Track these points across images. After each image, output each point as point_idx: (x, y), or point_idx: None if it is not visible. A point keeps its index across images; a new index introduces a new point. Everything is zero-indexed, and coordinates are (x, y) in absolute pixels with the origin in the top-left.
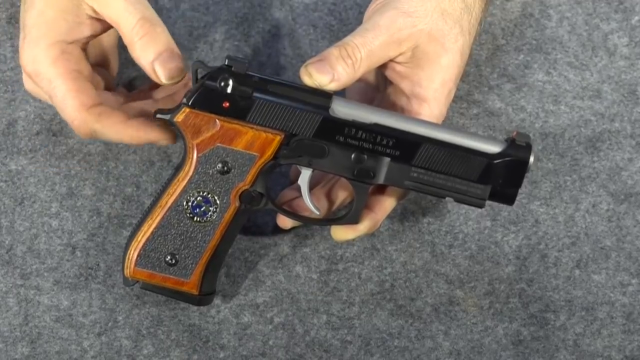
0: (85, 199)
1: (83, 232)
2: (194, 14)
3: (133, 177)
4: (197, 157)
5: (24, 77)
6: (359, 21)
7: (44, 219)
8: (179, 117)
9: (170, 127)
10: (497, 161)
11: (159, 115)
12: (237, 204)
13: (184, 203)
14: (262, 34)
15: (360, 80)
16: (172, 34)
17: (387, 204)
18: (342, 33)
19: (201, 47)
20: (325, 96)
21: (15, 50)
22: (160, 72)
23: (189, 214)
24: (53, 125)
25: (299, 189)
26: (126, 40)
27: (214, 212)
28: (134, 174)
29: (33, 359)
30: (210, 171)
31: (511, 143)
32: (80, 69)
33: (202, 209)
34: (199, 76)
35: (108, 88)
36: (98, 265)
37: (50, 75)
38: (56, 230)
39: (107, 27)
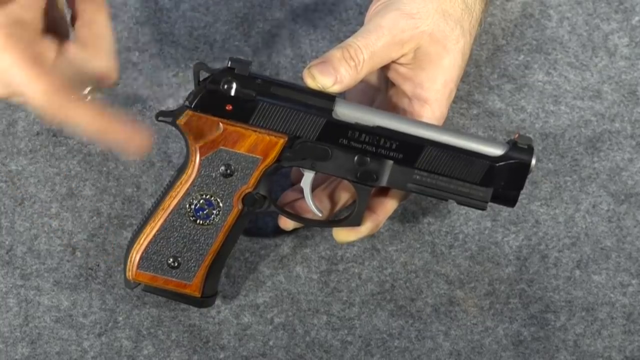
0: (86, 200)
1: (83, 232)
2: (194, 14)
3: (133, 178)
4: (200, 160)
5: None
6: (359, 21)
7: (44, 220)
8: (182, 120)
9: (146, 136)
10: (500, 164)
11: (160, 118)
12: (240, 206)
13: (187, 206)
14: (262, 34)
15: (361, 81)
16: (172, 34)
17: (389, 205)
18: (342, 33)
19: (201, 48)
20: (328, 98)
21: None
22: None
23: (192, 216)
24: (53, 126)
25: (300, 190)
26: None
27: (216, 215)
28: (134, 174)
29: None
30: (213, 174)
31: (513, 145)
32: (40, 49)
33: (205, 212)
34: (201, 78)
35: None
36: (98, 265)
37: (5, 64)
38: (56, 231)
39: None
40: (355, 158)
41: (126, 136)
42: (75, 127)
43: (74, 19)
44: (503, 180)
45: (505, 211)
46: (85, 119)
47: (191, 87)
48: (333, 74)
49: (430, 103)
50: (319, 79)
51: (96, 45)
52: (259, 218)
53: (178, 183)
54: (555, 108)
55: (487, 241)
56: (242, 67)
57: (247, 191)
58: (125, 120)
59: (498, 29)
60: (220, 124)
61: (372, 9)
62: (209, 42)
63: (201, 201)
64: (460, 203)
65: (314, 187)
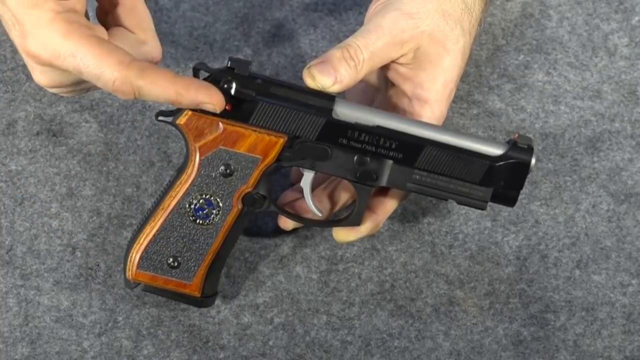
0: (85, 200)
1: (83, 232)
2: (194, 14)
3: (133, 178)
4: (200, 160)
5: (38, 72)
6: (359, 21)
7: (44, 220)
8: (182, 120)
9: (219, 91)
10: (499, 164)
11: (160, 118)
12: (240, 206)
13: (187, 205)
14: (262, 34)
15: (361, 81)
16: (172, 34)
17: (388, 205)
18: (342, 33)
19: (201, 48)
20: (328, 98)
21: (15, 50)
22: None
23: (192, 216)
24: (53, 126)
25: (300, 190)
26: None
27: (216, 215)
28: (134, 174)
29: None
30: (213, 174)
31: (513, 145)
32: (97, 33)
33: (204, 212)
34: (201, 78)
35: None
36: (98, 265)
37: (70, 49)
38: (56, 231)
39: None
40: (355, 158)
41: (204, 96)
42: (151, 95)
43: (102, 9)
44: (503, 180)
45: (505, 211)
46: (161, 86)
47: None
48: (333, 73)
49: (430, 103)
50: (318, 79)
51: (142, 27)
52: (259, 218)
53: (178, 183)
54: (555, 108)
55: (487, 241)
56: (242, 67)
57: (246, 191)
58: (199, 81)
59: (498, 29)
60: (220, 124)
61: (372, 8)
62: (209, 42)
63: (201, 201)
64: (460, 203)
65: (313, 187)
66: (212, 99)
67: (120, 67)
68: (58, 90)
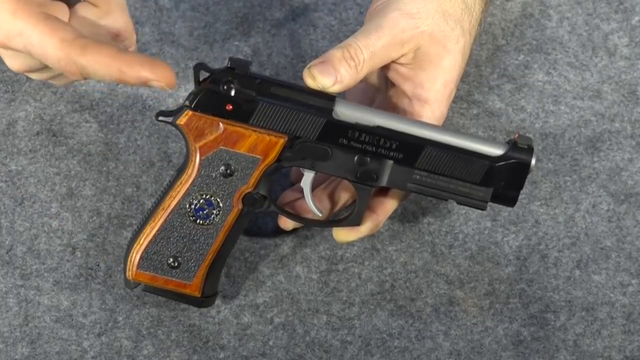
0: (85, 200)
1: (83, 232)
2: (194, 14)
3: (133, 178)
4: (200, 160)
5: (8, 57)
6: (359, 21)
7: (44, 220)
8: (182, 120)
9: (168, 67)
10: (500, 164)
11: (160, 118)
12: (240, 206)
13: (187, 206)
14: (262, 34)
15: (361, 81)
16: (172, 34)
17: (388, 205)
18: (342, 33)
19: (201, 47)
20: (329, 98)
21: None
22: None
23: (192, 216)
24: (53, 126)
25: (300, 190)
26: None
27: (216, 215)
28: (134, 174)
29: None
30: (214, 174)
31: (513, 145)
32: (48, 10)
33: (205, 212)
34: (201, 78)
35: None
36: (98, 265)
37: (18, 28)
38: (56, 231)
39: None
40: (355, 158)
41: (149, 72)
42: (96, 74)
43: None
44: (503, 180)
45: (505, 211)
46: (104, 63)
47: (191, 87)
48: (333, 74)
49: (430, 103)
50: (319, 79)
51: (108, 2)
52: (259, 218)
53: (178, 183)
54: (555, 108)
55: (487, 241)
56: (242, 67)
57: (247, 191)
58: (144, 56)
59: (498, 29)
60: (221, 124)
61: (372, 8)
62: (209, 42)
63: (201, 201)
64: (460, 203)
65: (314, 187)
66: (158, 75)
67: (63, 45)
68: (38, 76)
